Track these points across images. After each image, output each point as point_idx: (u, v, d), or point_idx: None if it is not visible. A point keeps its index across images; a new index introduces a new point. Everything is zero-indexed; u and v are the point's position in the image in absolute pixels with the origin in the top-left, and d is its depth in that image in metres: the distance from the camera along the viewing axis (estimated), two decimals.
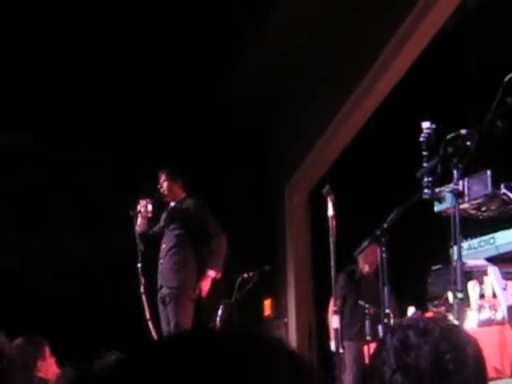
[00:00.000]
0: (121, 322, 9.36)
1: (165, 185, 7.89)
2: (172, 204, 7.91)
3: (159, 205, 7.92)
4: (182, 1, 9.23)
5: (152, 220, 7.90)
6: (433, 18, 8.13)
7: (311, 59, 9.94)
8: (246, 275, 8.43)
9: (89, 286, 10.12)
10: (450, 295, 4.01)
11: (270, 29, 9.60)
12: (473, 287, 5.51)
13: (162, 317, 7.63)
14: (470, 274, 5.43)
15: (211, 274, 7.61)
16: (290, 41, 9.64)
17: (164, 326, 7.59)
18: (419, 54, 8.48)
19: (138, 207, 7.81)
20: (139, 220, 7.83)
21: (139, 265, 7.71)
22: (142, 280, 7.68)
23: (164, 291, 7.63)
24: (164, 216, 7.89)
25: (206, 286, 7.59)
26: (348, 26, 9.27)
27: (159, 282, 7.71)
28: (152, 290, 7.70)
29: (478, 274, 5.41)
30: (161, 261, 7.74)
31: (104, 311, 9.90)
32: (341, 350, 7.53)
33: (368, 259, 8.26)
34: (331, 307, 8.02)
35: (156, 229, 7.89)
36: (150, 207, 7.80)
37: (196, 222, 7.74)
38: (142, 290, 7.66)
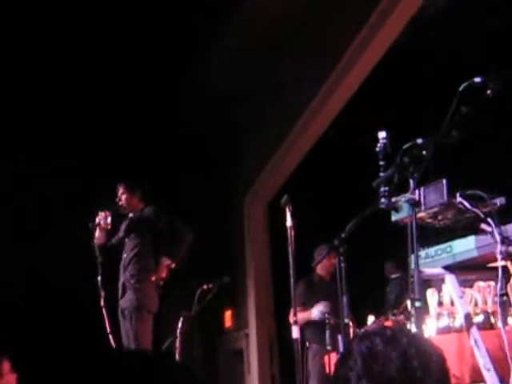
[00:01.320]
0: (79, 334, 9.27)
1: (123, 197, 7.85)
2: (131, 215, 7.87)
3: (118, 216, 7.86)
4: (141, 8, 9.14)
5: (111, 232, 7.85)
6: (390, 28, 8.18)
7: (269, 68, 9.96)
8: (205, 287, 8.38)
9: (45, 300, 9.99)
10: (408, 303, 4.03)
11: (231, 38, 9.58)
12: (431, 295, 5.55)
13: (122, 329, 7.58)
14: (428, 282, 5.46)
15: (166, 262, 7.63)
16: (250, 51, 9.64)
17: (124, 339, 7.54)
18: (377, 62, 8.53)
19: (97, 219, 7.74)
20: (98, 232, 7.76)
21: (99, 277, 7.64)
22: (102, 293, 7.61)
23: (123, 303, 7.58)
24: (123, 227, 7.84)
25: (161, 273, 7.62)
26: (305, 36, 9.30)
27: (119, 294, 7.66)
28: (112, 303, 7.64)
29: (436, 282, 5.44)
30: (121, 271, 7.70)
31: (62, 324, 9.79)
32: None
33: (325, 265, 8.31)
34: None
35: (115, 241, 7.84)
36: (109, 219, 7.74)
37: (156, 229, 7.71)
38: (102, 303, 7.60)
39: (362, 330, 2.26)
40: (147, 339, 7.51)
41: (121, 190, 7.87)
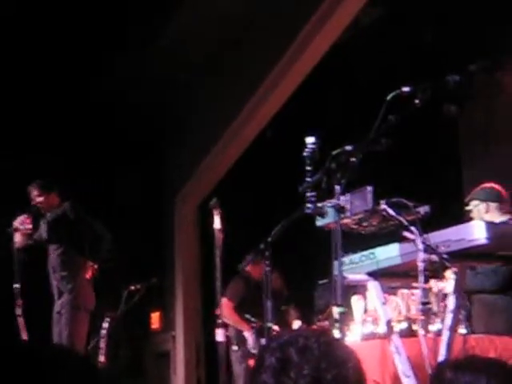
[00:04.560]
0: None
1: (40, 199, 7.61)
2: (49, 214, 7.64)
3: (37, 217, 7.64)
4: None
5: (31, 235, 7.63)
6: (325, 35, 8.23)
7: (205, 72, 9.94)
8: (132, 287, 8.33)
9: None
10: (334, 309, 4.05)
11: (166, 38, 9.52)
12: (357, 301, 5.59)
13: (55, 330, 7.43)
14: (355, 289, 5.51)
15: (89, 263, 7.55)
16: (184, 52, 9.60)
17: (56, 340, 7.38)
18: (312, 68, 8.57)
19: (15, 224, 7.52)
20: (18, 236, 7.54)
21: (17, 285, 7.44)
22: (19, 301, 7.42)
23: (60, 305, 7.44)
24: (43, 227, 7.62)
25: (86, 274, 7.53)
26: (242, 40, 9.31)
27: (56, 296, 7.53)
28: (31, 311, 7.39)
29: (362, 289, 5.49)
30: (51, 273, 7.55)
31: None
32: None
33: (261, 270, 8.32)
34: (227, 309, 8.05)
35: (37, 237, 7.63)
36: (28, 223, 7.53)
37: (76, 225, 7.55)
38: (18, 312, 7.39)
39: (275, 339, 2.17)
40: (82, 339, 7.41)
41: (35, 193, 7.62)
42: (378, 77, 8.34)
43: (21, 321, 7.35)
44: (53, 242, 7.56)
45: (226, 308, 8.18)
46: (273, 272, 9.29)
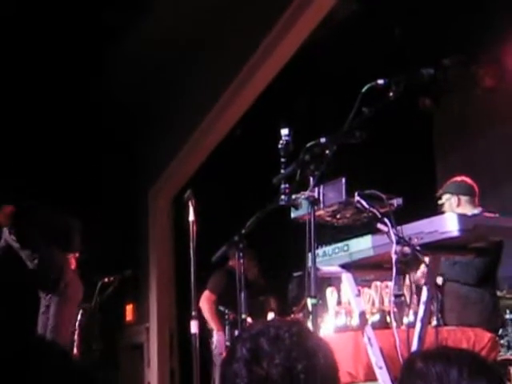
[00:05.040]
0: None
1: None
2: (6, 231, 7.48)
3: None
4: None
5: None
6: (299, 29, 8.23)
7: (180, 63, 9.91)
8: (106, 279, 8.31)
9: None
10: (308, 301, 4.06)
11: (144, 29, 9.48)
12: (331, 294, 5.61)
13: (39, 323, 7.39)
14: (329, 281, 5.53)
15: (69, 255, 7.49)
16: (161, 44, 9.56)
17: (41, 329, 7.36)
18: (286, 61, 8.57)
19: None
20: None
21: None
22: None
23: (49, 300, 7.40)
24: (7, 239, 7.49)
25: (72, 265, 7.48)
26: (217, 33, 9.28)
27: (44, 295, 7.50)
28: None
29: (336, 281, 5.50)
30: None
31: None
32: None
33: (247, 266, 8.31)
34: (208, 302, 8.05)
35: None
36: None
37: (37, 225, 7.47)
38: None
39: (246, 330, 2.18)
40: (67, 330, 7.37)
41: None
42: (351, 70, 8.36)
43: None
44: (22, 249, 7.48)
45: (205, 300, 8.21)
46: (249, 261, 9.36)
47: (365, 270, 4.51)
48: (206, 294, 8.27)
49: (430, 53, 8.00)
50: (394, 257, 3.78)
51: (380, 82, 3.92)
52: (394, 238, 3.80)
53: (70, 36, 9.32)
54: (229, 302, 8.06)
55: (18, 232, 7.41)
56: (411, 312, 4.80)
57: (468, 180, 6.18)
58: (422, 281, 4.42)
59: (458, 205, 6.05)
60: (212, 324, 8.23)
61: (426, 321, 4.24)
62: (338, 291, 5.62)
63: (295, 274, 7.84)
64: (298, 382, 1.94)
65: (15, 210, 7.37)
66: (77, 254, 7.57)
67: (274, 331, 2.02)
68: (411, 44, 8.63)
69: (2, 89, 9.59)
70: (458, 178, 6.19)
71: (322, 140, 3.91)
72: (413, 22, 8.69)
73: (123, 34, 9.45)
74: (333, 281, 5.58)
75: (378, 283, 5.51)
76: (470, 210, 5.84)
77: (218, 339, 8.06)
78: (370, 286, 5.56)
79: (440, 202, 6.15)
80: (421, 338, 4.15)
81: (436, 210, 6.04)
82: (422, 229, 3.86)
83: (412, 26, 8.70)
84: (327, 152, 3.89)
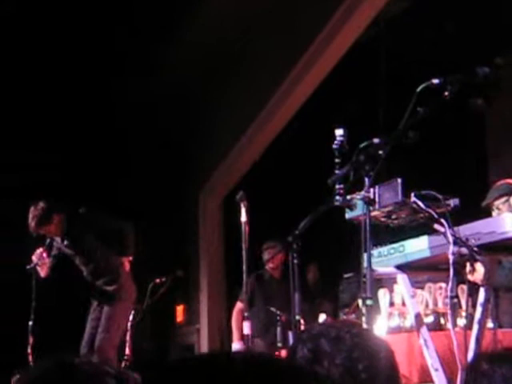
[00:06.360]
0: None
1: (43, 232, 7.38)
2: (58, 240, 7.51)
3: (51, 245, 7.53)
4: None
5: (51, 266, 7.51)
6: (349, 31, 8.22)
7: (230, 64, 9.94)
8: (158, 280, 8.34)
9: None
10: (360, 302, 4.03)
11: (189, 35, 9.53)
12: (383, 295, 5.58)
13: (87, 329, 7.50)
14: (380, 282, 5.49)
15: (123, 260, 7.54)
16: (208, 46, 9.60)
17: (87, 332, 7.47)
18: (338, 60, 8.54)
19: (34, 259, 7.34)
20: (40, 270, 7.38)
21: (30, 323, 7.36)
22: (31, 339, 7.29)
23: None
24: (60, 249, 7.55)
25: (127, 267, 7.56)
26: (267, 33, 9.30)
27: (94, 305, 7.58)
28: (41, 350, 7.10)
29: (388, 282, 5.47)
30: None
31: None
32: None
33: (275, 261, 8.29)
34: (237, 311, 8.07)
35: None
36: (45, 256, 7.38)
37: (95, 230, 7.48)
38: (28, 350, 7.26)
39: (306, 331, 2.17)
40: (117, 334, 7.44)
41: (35, 229, 7.26)
42: (405, 69, 8.31)
43: (30, 359, 7.18)
44: (78, 257, 7.55)
45: (234, 309, 8.23)
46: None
47: (420, 271, 4.47)
48: (237, 303, 8.27)
49: (480, 52, 7.90)
50: (451, 258, 3.73)
51: (435, 81, 3.87)
52: (451, 238, 3.76)
53: (128, 35, 9.36)
54: (269, 302, 8.06)
55: (73, 238, 7.47)
56: (464, 314, 4.75)
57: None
58: (479, 282, 4.36)
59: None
60: (233, 332, 8.23)
61: (483, 322, 4.19)
62: (390, 292, 5.58)
63: (346, 276, 7.81)
64: (359, 381, 1.94)
65: (69, 216, 7.44)
66: (130, 258, 7.62)
67: (335, 332, 2.03)
68: (463, 42, 8.52)
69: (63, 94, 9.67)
70: (510, 180, 6.09)
71: (376, 140, 3.88)
72: (462, 19, 8.59)
73: (180, 35, 9.50)
74: (384, 282, 5.55)
75: (432, 285, 5.46)
76: None
77: (235, 348, 8.03)
78: (422, 288, 5.52)
79: (494, 206, 5.99)
80: (478, 340, 4.11)
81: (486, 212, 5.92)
82: (479, 229, 3.82)
83: (464, 23, 8.59)
84: (381, 152, 3.86)
